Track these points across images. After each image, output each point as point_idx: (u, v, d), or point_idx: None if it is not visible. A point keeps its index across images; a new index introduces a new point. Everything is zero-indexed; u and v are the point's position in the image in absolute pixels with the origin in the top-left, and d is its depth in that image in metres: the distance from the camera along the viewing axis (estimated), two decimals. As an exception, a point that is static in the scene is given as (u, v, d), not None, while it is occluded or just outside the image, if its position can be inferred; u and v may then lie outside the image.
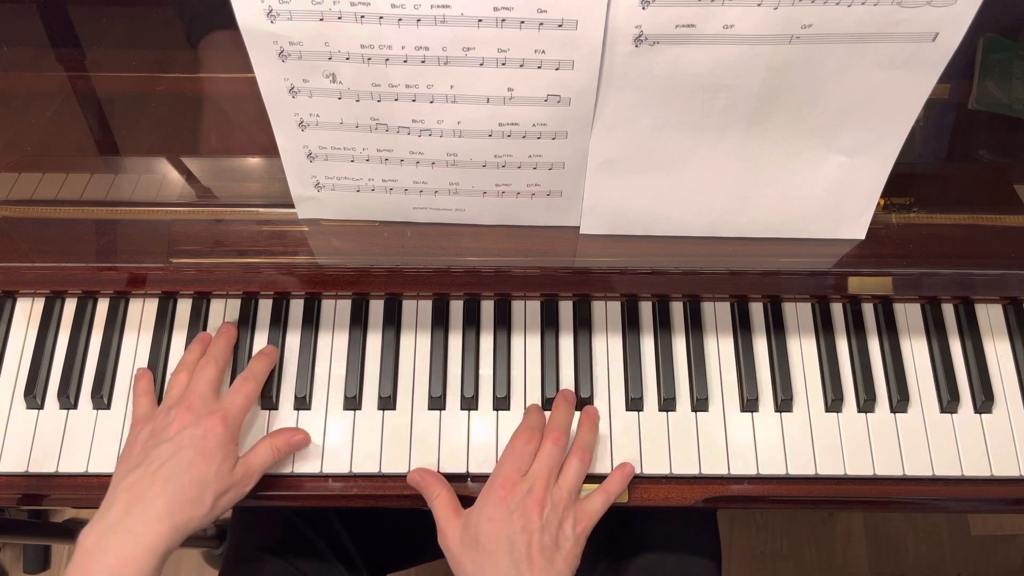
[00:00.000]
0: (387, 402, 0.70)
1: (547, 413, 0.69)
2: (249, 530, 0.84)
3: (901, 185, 0.67)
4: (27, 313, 0.74)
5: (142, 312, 0.74)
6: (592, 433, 0.68)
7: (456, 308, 0.74)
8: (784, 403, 0.71)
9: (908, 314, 0.75)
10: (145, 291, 0.73)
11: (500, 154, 0.63)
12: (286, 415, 0.70)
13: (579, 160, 0.64)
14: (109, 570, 0.55)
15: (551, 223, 0.70)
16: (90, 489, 0.68)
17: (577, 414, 0.70)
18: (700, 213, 0.67)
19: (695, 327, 0.74)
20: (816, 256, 0.70)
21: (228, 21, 0.54)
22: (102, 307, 0.74)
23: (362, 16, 0.53)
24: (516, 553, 0.59)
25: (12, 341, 0.73)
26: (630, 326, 0.73)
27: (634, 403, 0.71)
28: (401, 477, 0.68)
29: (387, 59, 0.56)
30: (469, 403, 0.71)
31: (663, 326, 0.73)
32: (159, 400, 0.68)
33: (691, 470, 0.68)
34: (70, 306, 0.74)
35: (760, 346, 0.73)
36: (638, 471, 0.68)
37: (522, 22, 0.53)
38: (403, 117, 0.60)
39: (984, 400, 0.71)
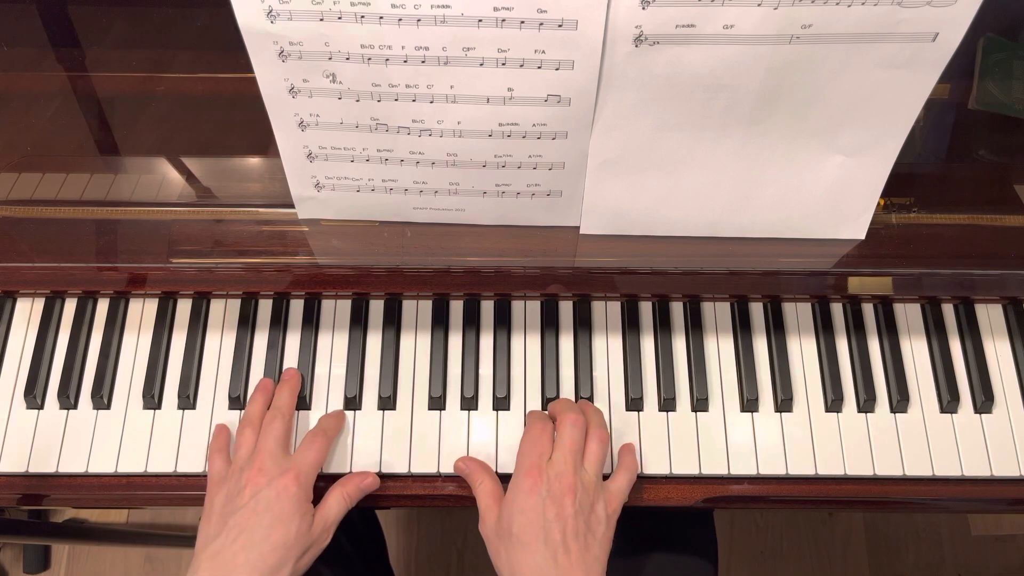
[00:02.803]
0: (387, 402, 0.70)
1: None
2: None
3: (901, 185, 0.67)
4: (27, 313, 0.74)
5: (142, 312, 0.74)
6: (599, 414, 0.67)
7: (456, 308, 0.74)
8: (784, 403, 0.71)
9: (908, 314, 0.75)
10: (145, 291, 0.73)
11: (500, 154, 0.63)
12: (286, 415, 0.70)
13: (579, 160, 0.64)
14: None
15: (551, 223, 0.70)
16: (90, 489, 0.69)
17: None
18: (700, 213, 0.67)
19: (695, 327, 0.74)
20: (816, 256, 0.70)
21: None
22: (102, 307, 0.74)
23: (362, 16, 0.53)
24: (552, 543, 0.58)
25: (12, 341, 0.73)
26: (630, 326, 0.73)
27: (634, 403, 0.71)
28: (401, 477, 0.68)
29: (387, 59, 0.56)
30: (469, 403, 0.71)
31: (663, 326, 0.73)
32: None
33: (691, 470, 0.68)
34: (70, 306, 0.74)
35: (760, 346, 0.73)
36: (638, 471, 0.68)
37: (522, 22, 0.53)
38: (403, 117, 0.60)
39: (984, 400, 0.71)
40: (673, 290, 0.74)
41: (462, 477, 0.67)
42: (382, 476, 0.68)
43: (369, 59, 0.56)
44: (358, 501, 0.66)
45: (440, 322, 0.73)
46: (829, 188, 0.65)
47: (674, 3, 0.52)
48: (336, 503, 0.64)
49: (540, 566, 0.57)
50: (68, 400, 0.70)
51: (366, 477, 0.67)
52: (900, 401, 0.71)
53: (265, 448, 0.63)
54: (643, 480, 0.69)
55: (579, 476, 0.61)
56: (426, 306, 0.74)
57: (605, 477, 0.66)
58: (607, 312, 0.74)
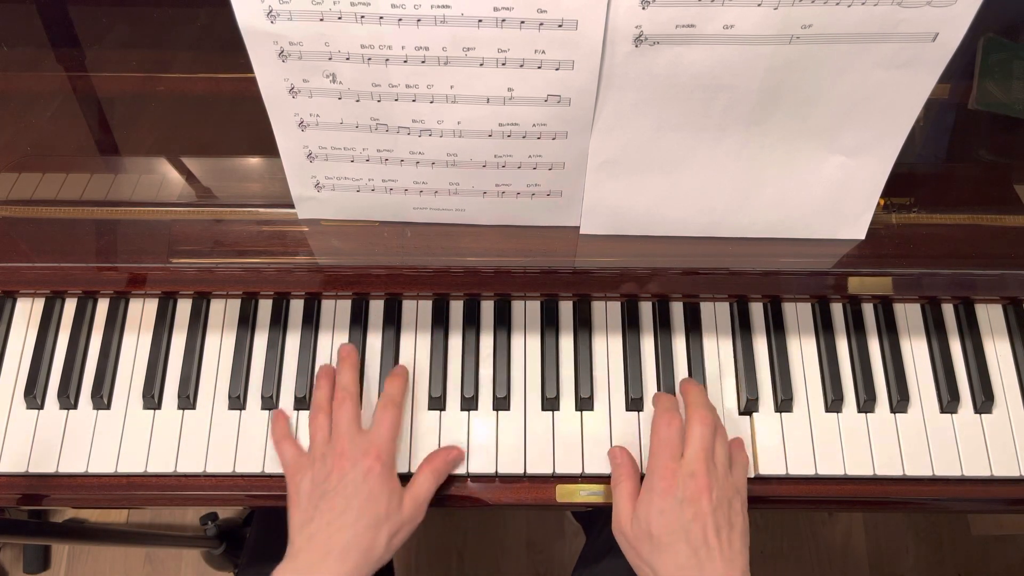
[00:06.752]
0: (387, 402, 0.70)
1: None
2: (269, 534, 0.85)
3: (901, 185, 0.67)
4: (27, 313, 0.74)
5: (142, 312, 0.74)
6: (714, 410, 0.68)
7: (456, 308, 0.74)
8: (784, 403, 0.71)
9: (908, 314, 0.75)
10: (145, 291, 0.73)
11: (500, 154, 0.63)
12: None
13: (579, 160, 0.64)
14: None
15: (551, 223, 0.70)
16: (90, 489, 0.69)
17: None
18: (700, 213, 0.67)
19: (695, 327, 0.74)
20: (816, 256, 0.70)
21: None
22: (102, 307, 0.74)
23: (362, 16, 0.53)
24: (693, 541, 0.59)
25: (12, 341, 0.73)
26: (630, 326, 0.73)
27: (634, 403, 0.71)
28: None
29: (387, 59, 0.56)
30: (469, 403, 0.71)
31: (663, 326, 0.73)
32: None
33: (691, 470, 0.68)
34: (70, 306, 0.74)
35: (760, 346, 0.73)
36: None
37: (522, 22, 0.53)
38: (403, 117, 0.60)
39: (984, 400, 0.71)
40: (673, 290, 0.74)
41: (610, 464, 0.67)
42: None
43: (369, 59, 0.56)
44: (446, 475, 0.67)
45: (440, 322, 0.73)
46: (829, 188, 0.65)
47: (674, 3, 0.52)
48: (425, 480, 0.65)
49: (682, 565, 0.58)
50: (68, 400, 0.70)
51: (452, 451, 0.68)
52: (900, 401, 0.71)
53: (341, 431, 0.64)
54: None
55: (712, 475, 0.62)
56: (426, 306, 0.74)
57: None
58: (607, 312, 0.74)
